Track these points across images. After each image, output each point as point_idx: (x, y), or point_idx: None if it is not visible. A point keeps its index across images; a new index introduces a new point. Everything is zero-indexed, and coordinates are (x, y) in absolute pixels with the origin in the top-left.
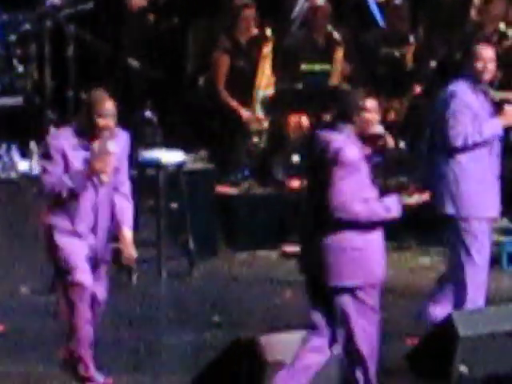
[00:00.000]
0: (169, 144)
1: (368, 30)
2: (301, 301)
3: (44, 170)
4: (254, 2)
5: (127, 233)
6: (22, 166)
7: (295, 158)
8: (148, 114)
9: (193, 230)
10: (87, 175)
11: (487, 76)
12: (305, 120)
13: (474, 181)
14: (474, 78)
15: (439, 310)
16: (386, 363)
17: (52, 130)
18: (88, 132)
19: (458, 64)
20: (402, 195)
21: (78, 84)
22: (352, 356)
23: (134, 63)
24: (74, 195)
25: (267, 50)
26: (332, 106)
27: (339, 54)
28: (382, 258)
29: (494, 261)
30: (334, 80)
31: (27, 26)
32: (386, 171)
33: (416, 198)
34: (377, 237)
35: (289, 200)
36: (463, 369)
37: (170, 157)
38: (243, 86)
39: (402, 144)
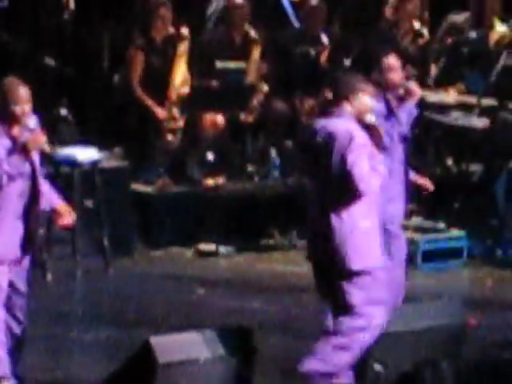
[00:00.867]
0: (84, 141)
1: (284, 29)
2: (215, 299)
3: None
4: (170, 0)
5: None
6: None
7: (210, 157)
8: (63, 111)
9: (108, 227)
10: (26, 154)
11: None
12: (220, 118)
13: None
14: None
15: None
16: None
17: None
18: (6, 120)
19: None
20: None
21: None
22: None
23: (49, 61)
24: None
25: (183, 48)
26: (325, 92)
27: (256, 52)
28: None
29: (409, 259)
30: (250, 78)
31: None
32: None
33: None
34: (376, 223)
35: (204, 198)
36: None
37: (85, 154)
38: (159, 84)
39: None
